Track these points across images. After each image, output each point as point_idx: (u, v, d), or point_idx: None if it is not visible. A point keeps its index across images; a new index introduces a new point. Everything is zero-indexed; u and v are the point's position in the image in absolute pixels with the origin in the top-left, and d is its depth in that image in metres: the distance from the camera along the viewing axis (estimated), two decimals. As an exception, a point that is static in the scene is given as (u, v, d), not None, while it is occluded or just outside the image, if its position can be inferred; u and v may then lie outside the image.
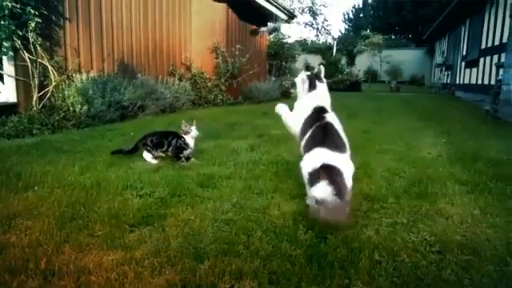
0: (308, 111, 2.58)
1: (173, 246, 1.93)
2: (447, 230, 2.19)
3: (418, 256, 1.90)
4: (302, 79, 2.71)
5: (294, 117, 2.74)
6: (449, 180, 3.14)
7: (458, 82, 15.76)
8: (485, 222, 2.33)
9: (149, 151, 3.63)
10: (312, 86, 2.65)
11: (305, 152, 2.45)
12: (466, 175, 3.29)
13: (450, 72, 18.39)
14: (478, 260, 1.87)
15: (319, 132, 2.44)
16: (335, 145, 2.33)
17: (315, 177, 2.17)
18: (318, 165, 2.20)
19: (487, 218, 2.39)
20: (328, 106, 2.64)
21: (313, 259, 1.83)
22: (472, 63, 13.36)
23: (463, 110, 9.22)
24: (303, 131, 2.56)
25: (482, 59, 12.04)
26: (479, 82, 12.10)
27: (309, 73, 2.72)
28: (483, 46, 12.12)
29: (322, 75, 2.73)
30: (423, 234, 2.14)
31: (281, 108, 2.90)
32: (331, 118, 2.55)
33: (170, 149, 3.63)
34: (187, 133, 3.58)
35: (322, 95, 2.65)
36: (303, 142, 2.53)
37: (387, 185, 3.01)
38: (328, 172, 2.16)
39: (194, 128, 3.61)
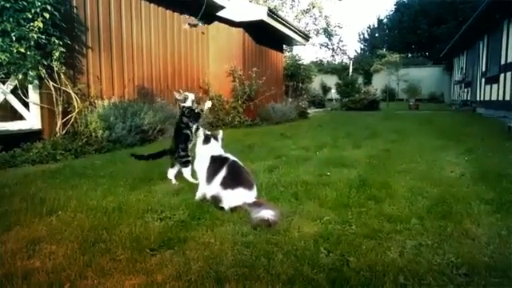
0: (207, 160, 3.18)
1: (193, 270, 1.93)
2: (474, 252, 2.12)
3: (445, 279, 1.84)
4: (200, 136, 3.33)
5: (199, 164, 3.27)
6: (473, 199, 3.06)
7: (478, 98, 15.51)
8: (513, 242, 2.25)
9: (185, 163, 3.69)
10: (206, 141, 3.25)
11: (225, 186, 2.94)
12: (491, 194, 3.20)
13: (469, 89, 18.14)
14: (508, 282, 1.80)
15: (234, 172, 3.04)
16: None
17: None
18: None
19: (516, 239, 2.31)
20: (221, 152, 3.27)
21: (335, 283, 1.80)
22: (492, 79, 13.16)
23: (485, 127, 9.04)
24: (211, 173, 3.10)
25: (502, 75, 11.85)
26: (500, 98, 11.88)
27: (208, 133, 3.32)
28: (503, 62, 11.94)
29: (219, 137, 3.31)
30: (449, 255, 2.08)
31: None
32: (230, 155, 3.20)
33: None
34: (185, 100, 3.45)
35: (214, 147, 3.24)
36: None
37: (410, 205, 2.95)
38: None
39: (190, 94, 3.50)
